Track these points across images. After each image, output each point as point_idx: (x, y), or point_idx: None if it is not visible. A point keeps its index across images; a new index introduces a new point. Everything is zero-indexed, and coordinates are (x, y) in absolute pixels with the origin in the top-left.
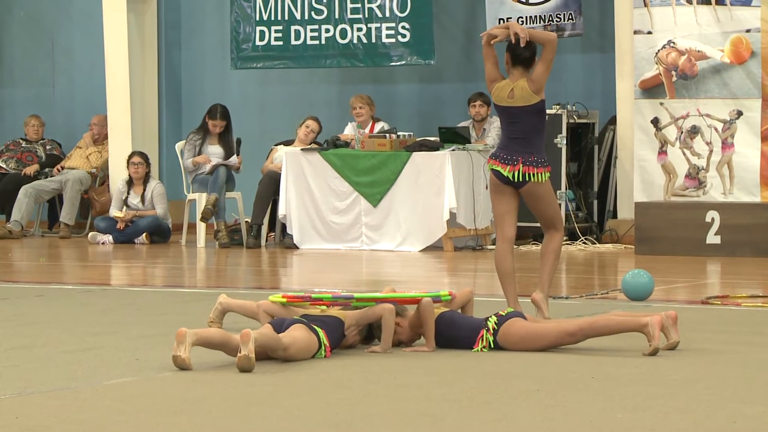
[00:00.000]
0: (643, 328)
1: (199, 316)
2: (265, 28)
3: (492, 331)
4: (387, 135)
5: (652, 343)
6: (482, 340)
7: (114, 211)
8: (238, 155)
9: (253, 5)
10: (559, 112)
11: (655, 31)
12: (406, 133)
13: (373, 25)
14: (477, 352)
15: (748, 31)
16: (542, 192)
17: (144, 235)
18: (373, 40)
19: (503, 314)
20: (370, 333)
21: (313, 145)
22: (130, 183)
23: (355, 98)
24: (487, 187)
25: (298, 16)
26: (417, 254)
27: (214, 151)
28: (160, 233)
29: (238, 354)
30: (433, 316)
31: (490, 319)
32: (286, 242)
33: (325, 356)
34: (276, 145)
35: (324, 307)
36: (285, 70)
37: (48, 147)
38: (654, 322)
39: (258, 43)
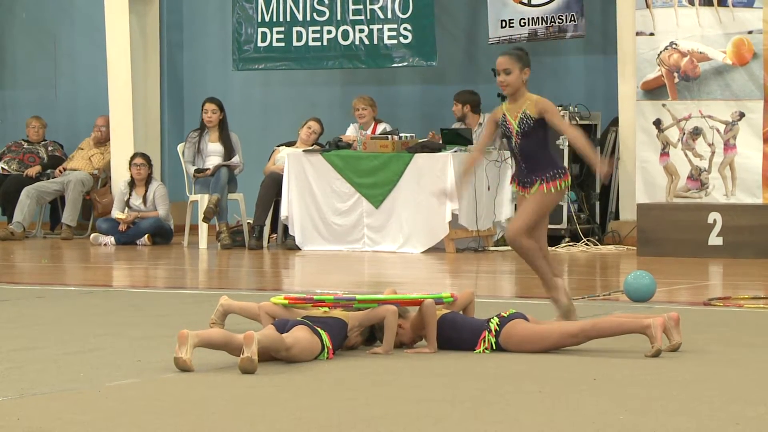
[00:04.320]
0: (646, 330)
1: (201, 318)
2: (267, 30)
3: (494, 332)
4: (389, 136)
5: (654, 345)
6: (484, 341)
7: (116, 213)
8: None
9: (255, 6)
10: (562, 113)
11: (657, 33)
12: (408, 135)
13: (375, 27)
14: (479, 354)
15: (750, 32)
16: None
17: (146, 236)
18: (375, 42)
19: (505, 315)
20: (372, 334)
21: (315, 147)
22: (132, 184)
23: (358, 99)
24: (489, 189)
25: (300, 17)
26: (419, 256)
27: (214, 149)
28: (162, 234)
29: (241, 356)
30: (435, 318)
31: (491, 320)
32: (288, 243)
33: (327, 358)
34: (278, 146)
35: (326, 309)
36: (287, 71)
37: (50, 148)
38: (656, 324)
39: (260, 44)
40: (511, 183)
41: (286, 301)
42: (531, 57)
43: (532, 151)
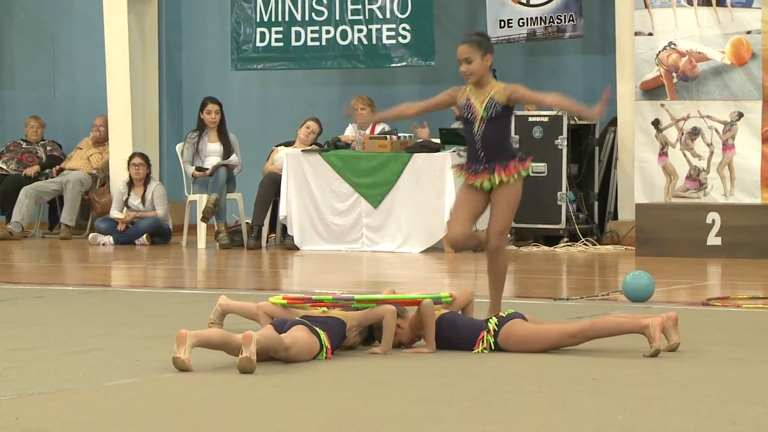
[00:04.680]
0: (644, 330)
1: (200, 317)
2: (265, 30)
3: (492, 332)
4: (387, 136)
5: (652, 345)
6: (483, 341)
7: (114, 213)
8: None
9: (254, 6)
10: (560, 113)
11: (656, 33)
12: (407, 135)
13: (373, 27)
14: (477, 354)
15: (748, 32)
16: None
17: (144, 236)
18: (374, 42)
19: (504, 315)
20: (371, 334)
21: (314, 147)
22: (130, 184)
23: (356, 99)
24: None
25: (298, 17)
26: (417, 255)
27: (213, 149)
28: (160, 234)
29: (240, 355)
30: (433, 318)
31: (490, 320)
32: (286, 243)
33: (326, 357)
34: (277, 146)
35: (325, 309)
36: (285, 71)
37: (48, 148)
38: (655, 324)
39: (258, 44)
40: (458, 173)
41: (285, 301)
42: (530, 57)
43: (494, 139)
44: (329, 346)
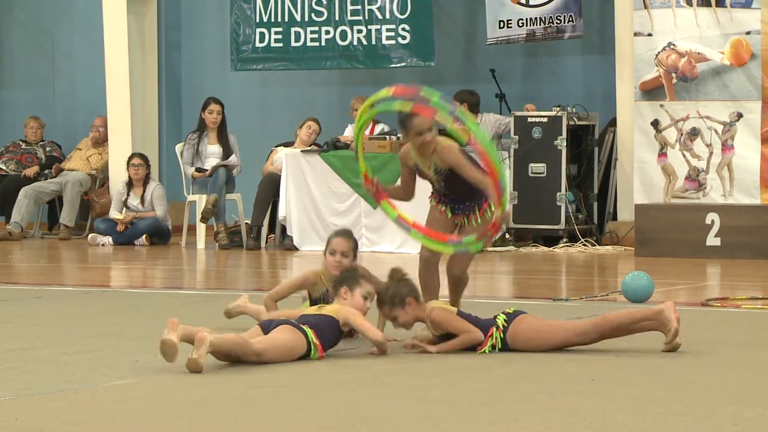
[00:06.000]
0: (659, 315)
1: (199, 318)
2: (265, 30)
3: (501, 328)
4: (387, 137)
5: (670, 328)
6: (492, 338)
7: (114, 213)
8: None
9: (253, 7)
10: (559, 114)
11: (656, 33)
12: None
13: (373, 27)
14: (478, 354)
15: (748, 33)
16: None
17: (144, 236)
18: (373, 42)
19: (511, 312)
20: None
21: (313, 147)
22: (129, 185)
23: (356, 100)
24: None
25: (298, 17)
26: (417, 256)
27: (213, 151)
28: (159, 235)
29: (189, 356)
30: (457, 321)
31: (498, 317)
32: (286, 244)
33: (318, 356)
34: (276, 146)
35: (322, 305)
36: (285, 71)
37: (48, 149)
38: (668, 307)
39: (258, 44)
40: (430, 197)
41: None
42: (529, 57)
43: (459, 187)
44: (318, 343)
